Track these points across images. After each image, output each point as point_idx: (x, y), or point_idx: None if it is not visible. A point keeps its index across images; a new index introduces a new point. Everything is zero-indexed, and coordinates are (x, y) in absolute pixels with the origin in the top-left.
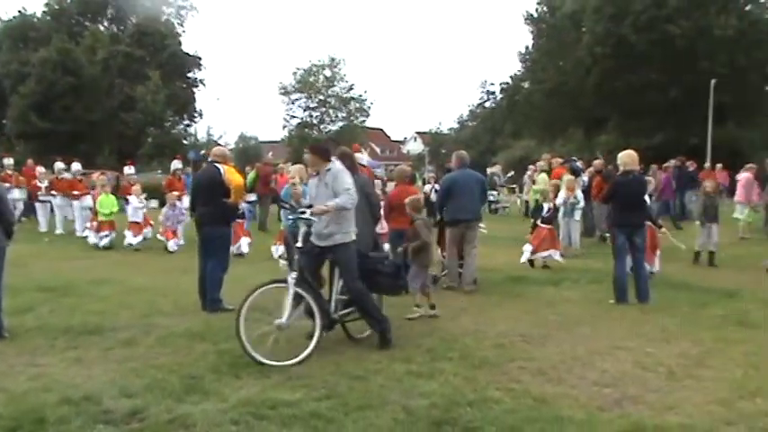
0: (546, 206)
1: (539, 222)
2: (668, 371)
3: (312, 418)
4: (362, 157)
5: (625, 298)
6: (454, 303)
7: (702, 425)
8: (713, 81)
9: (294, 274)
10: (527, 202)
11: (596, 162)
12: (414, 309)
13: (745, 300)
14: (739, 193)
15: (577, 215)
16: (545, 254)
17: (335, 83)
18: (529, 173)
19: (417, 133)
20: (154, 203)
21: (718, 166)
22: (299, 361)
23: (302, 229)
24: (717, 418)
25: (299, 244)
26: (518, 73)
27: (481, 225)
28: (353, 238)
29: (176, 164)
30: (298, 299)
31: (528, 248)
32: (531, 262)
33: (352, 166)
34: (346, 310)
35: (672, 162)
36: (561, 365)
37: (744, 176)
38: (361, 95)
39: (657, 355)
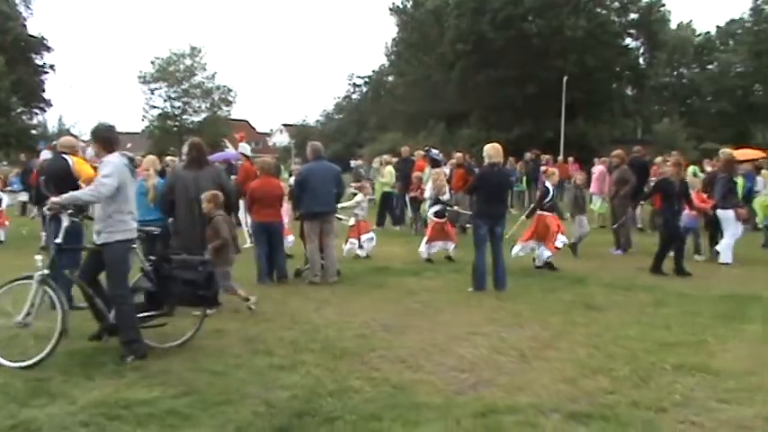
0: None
1: (432, 216)
2: (520, 354)
3: (168, 415)
4: (245, 147)
5: (483, 286)
6: (317, 295)
7: (550, 403)
8: (565, 78)
9: (42, 272)
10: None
11: (457, 155)
12: (246, 304)
13: (592, 285)
14: (594, 185)
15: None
16: (440, 245)
17: (197, 72)
18: (375, 165)
19: (284, 125)
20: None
21: (570, 159)
22: (34, 363)
23: (64, 224)
24: (563, 396)
25: (59, 239)
26: (384, 66)
27: (341, 216)
28: (125, 237)
29: (45, 154)
30: (44, 296)
31: (423, 243)
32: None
33: (198, 157)
34: (146, 314)
35: (527, 155)
36: (421, 353)
37: (598, 169)
38: (225, 85)
39: (511, 340)
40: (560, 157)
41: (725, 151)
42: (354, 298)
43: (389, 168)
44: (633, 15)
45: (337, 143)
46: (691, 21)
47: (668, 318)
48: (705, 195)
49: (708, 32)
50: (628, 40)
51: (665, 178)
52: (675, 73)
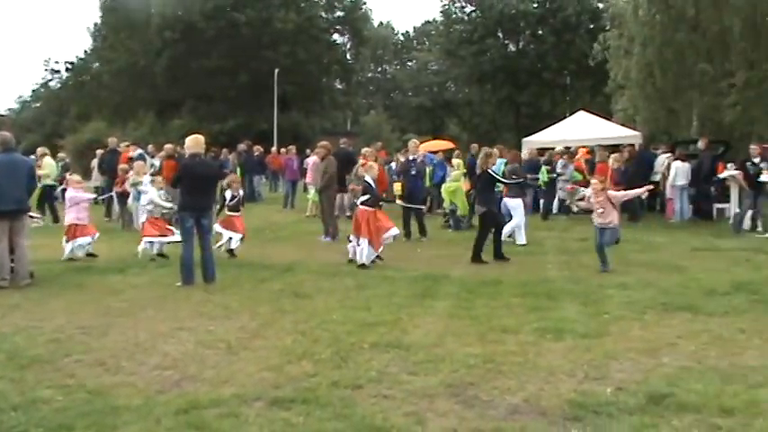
0: (230, 194)
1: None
2: (227, 346)
3: None
4: None
5: (191, 280)
6: (6, 301)
7: (254, 392)
8: (276, 70)
9: None
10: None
11: (167, 146)
12: None
13: (301, 273)
14: (308, 175)
15: (144, 199)
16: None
17: None
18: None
19: None
20: None
21: (291, 148)
22: None
23: None
24: (267, 383)
25: None
26: (87, 51)
27: (34, 215)
28: None
29: None
30: None
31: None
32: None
33: None
34: None
35: (240, 146)
36: (122, 353)
37: (311, 160)
38: None
39: (218, 332)
40: (274, 149)
41: (414, 142)
42: (50, 301)
43: (48, 160)
44: (339, 12)
45: (34, 134)
46: (390, 20)
47: (369, 299)
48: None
49: (407, 32)
50: (335, 36)
51: (485, 170)
52: (379, 69)
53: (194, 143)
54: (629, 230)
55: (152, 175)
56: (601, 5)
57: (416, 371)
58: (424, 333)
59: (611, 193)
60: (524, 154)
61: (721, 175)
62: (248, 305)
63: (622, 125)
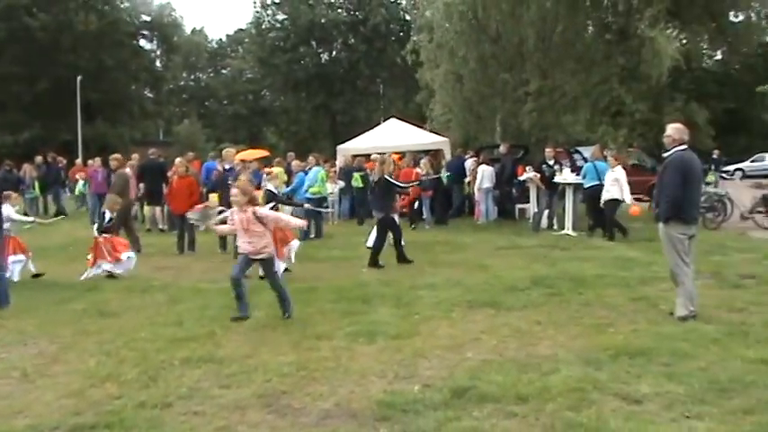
0: (108, 215)
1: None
2: (22, 374)
3: None
4: None
5: None
6: None
7: (51, 421)
8: (79, 77)
9: None
10: None
11: None
12: None
13: (107, 291)
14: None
15: None
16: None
17: None
18: None
19: None
20: None
21: (97, 160)
22: None
23: None
24: (67, 411)
25: None
26: None
27: None
28: None
29: None
30: None
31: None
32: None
33: None
34: None
35: (38, 159)
36: None
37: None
38: None
39: (11, 360)
40: (79, 160)
41: (230, 150)
42: None
43: None
44: (146, 17)
45: None
46: (203, 27)
47: (181, 314)
48: None
49: (220, 39)
50: (143, 42)
51: (382, 176)
52: (192, 76)
53: None
54: (441, 232)
55: None
56: (408, 17)
57: (229, 384)
58: (237, 345)
59: (261, 212)
60: (339, 161)
61: (521, 177)
62: (47, 328)
63: (431, 131)
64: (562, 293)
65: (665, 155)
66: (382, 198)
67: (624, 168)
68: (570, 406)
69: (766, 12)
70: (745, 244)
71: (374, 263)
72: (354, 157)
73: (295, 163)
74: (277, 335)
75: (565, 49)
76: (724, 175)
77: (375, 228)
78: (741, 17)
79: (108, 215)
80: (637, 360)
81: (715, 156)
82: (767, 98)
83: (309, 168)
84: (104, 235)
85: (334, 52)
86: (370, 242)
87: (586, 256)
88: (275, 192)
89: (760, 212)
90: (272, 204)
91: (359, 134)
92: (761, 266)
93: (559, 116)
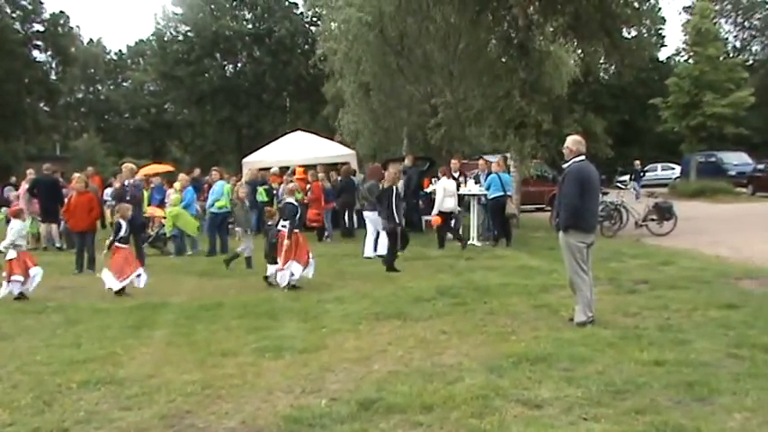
0: (124, 225)
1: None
2: None
3: None
4: None
5: None
6: None
7: None
8: None
9: None
10: None
11: None
12: None
13: None
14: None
15: None
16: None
17: None
18: None
19: None
20: None
21: None
22: None
23: None
24: None
25: None
26: None
27: None
28: None
29: None
30: None
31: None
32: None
33: None
34: None
35: None
36: None
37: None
38: None
39: None
40: None
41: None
42: None
43: None
44: (38, 27)
45: None
46: (101, 38)
47: (80, 335)
48: None
49: (120, 51)
50: (36, 53)
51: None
52: (91, 89)
53: None
54: (349, 245)
55: None
56: (313, 28)
57: (130, 405)
58: (139, 365)
59: None
60: (245, 174)
61: (428, 189)
62: None
63: (341, 143)
64: (467, 303)
65: (565, 166)
66: (389, 208)
67: (526, 179)
68: (474, 413)
69: (656, 29)
70: (639, 250)
71: (391, 269)
72: (260, 170)
73: (181, 176)
74: (181, 353)
75: (469, 63)
76: (619, 184)
77: (366, 238)
78: (634, 33)
79: (124, 225)
80: (538, 366)
81: (637, 166)
82: (659, 111)
83: (213, 182)
84: (122, 245)
85: (239, 65)
86: (368, 252)
87: (491, 265)
88: (295, 204)
89: (653, 220)
90: (297, 215)
91: (262, 146)
92: (654, 272)
93: (465, 128)
